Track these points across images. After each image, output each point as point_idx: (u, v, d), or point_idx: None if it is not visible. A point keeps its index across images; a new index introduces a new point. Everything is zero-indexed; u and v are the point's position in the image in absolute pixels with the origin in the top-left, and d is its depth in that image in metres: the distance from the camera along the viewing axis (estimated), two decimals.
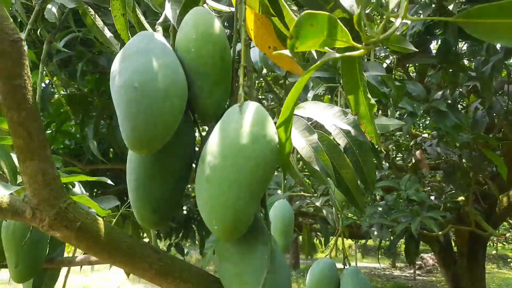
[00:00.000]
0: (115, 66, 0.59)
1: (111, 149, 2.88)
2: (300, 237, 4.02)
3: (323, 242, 2.86)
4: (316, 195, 2.63)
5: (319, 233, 4.39)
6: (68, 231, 0.60)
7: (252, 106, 0.59)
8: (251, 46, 1.37)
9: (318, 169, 0.77)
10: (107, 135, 2.45)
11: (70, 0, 1.07)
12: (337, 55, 0.45)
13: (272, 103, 3.95)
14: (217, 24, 0.64)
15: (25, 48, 0.48)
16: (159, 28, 0.72)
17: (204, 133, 0.73)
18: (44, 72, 1.19)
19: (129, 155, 0.65)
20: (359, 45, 0.44)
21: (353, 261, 13.50)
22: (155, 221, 0.65)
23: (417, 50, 0.65)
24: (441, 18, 0.50)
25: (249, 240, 0.60)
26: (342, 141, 0.89)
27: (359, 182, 0.88)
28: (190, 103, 0.66)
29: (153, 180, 0.63)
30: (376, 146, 0.82)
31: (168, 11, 0.73)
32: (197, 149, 0.72)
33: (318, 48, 0.44)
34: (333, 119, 0.83)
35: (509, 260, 12.67)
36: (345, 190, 0.87)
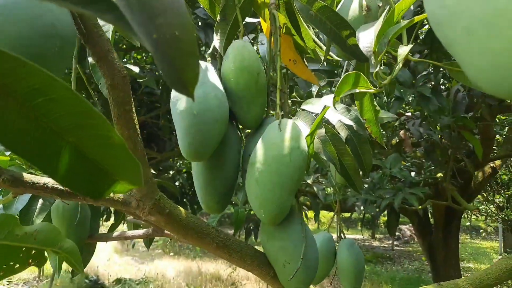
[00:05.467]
0: (176, 93, 0.74)
1: None
2: None
3: (313, 217, 3.05)
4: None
5: (304, 207, 4.61)
6: (160, 216, 0.78)
7: (289, 124, 0.74)
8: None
9: (326, 158, 0.91)
10: None
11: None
12: (357, 90, 0.60)
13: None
14: (251, 55, 0.78)
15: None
16: (209, 58, 0.89)
17: (244, 133, 0.94)
18: None
19: (193, 164, 0.84)
20: (374, 88, 0.59)
21: (337, 233, 13.99)
22: (218, 208, 0.84)
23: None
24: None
25: (289, 222, 0.80)
26: (343, 132, 1.03)
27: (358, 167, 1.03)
28: (235, 117, 0.85)
29: (217, 179, 0.83)
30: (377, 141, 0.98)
31: (216, 43, 0.88)
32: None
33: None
34: (338, 115, 0.96)
35: (481, 231, 13.40)
36: (346, 175, 1.02)
